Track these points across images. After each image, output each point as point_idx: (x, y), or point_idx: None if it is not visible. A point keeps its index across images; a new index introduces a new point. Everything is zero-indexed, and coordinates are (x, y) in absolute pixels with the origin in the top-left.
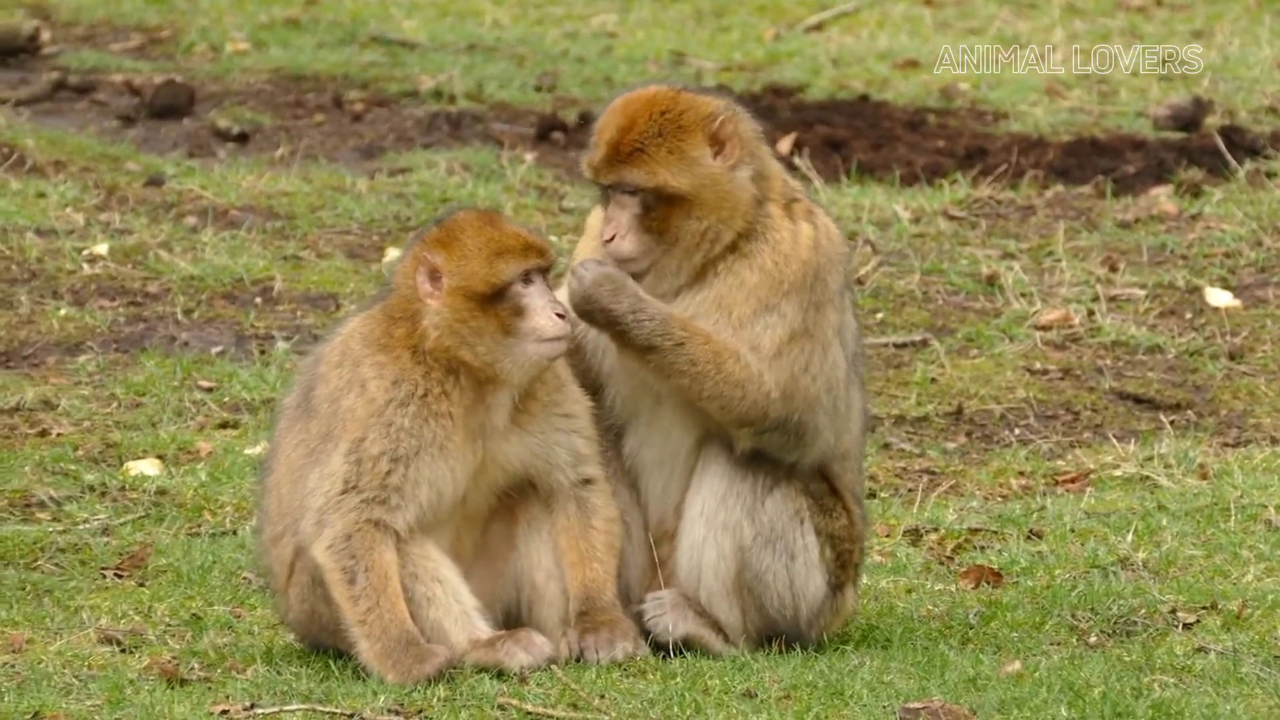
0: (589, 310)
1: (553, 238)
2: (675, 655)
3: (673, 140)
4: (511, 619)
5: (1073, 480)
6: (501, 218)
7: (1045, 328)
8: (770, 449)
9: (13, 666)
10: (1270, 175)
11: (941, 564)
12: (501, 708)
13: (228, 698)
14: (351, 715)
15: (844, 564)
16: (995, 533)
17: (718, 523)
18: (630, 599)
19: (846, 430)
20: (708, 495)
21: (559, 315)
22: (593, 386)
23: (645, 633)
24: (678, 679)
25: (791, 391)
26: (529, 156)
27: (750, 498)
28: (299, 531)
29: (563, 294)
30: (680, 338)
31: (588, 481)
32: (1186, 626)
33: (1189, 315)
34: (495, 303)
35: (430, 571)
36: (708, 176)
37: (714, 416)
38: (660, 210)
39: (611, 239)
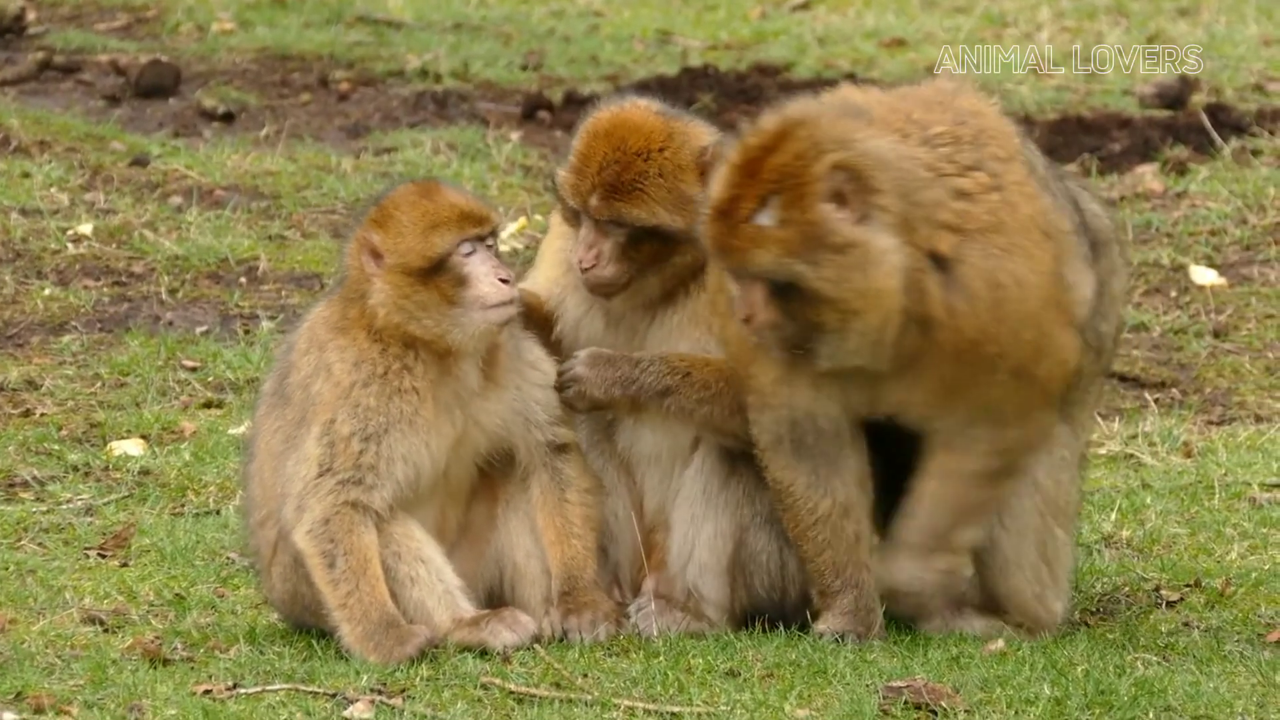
0: (602, 394)
1: (538, 217)
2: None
3: (672, 180)
4: (494, 598)
5: None
6: (439, 188)
7: None
8: None
9: None
10: (1256, 153)
11: None
12: (485, 687)
13: (210, 677)
14: (334, 695)
15: None
16: None
17: (720, 501)
18: (620, 583)
19: None
20: (710, 476)
21: (503, 280)
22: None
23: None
24: (660, 658)
25: None
26: (515, 135)
27: (752, 482)
28: (281, 518)
29: (534, 281)
30: (684, 368)
31: (563, 449)
32: (1170, 604)
33: (1174, 293)
34: (435, 275)
35: (413, 551)
36: (695, 213)
37: (739, 434)
38: (647, 244)
39: (591, 267)
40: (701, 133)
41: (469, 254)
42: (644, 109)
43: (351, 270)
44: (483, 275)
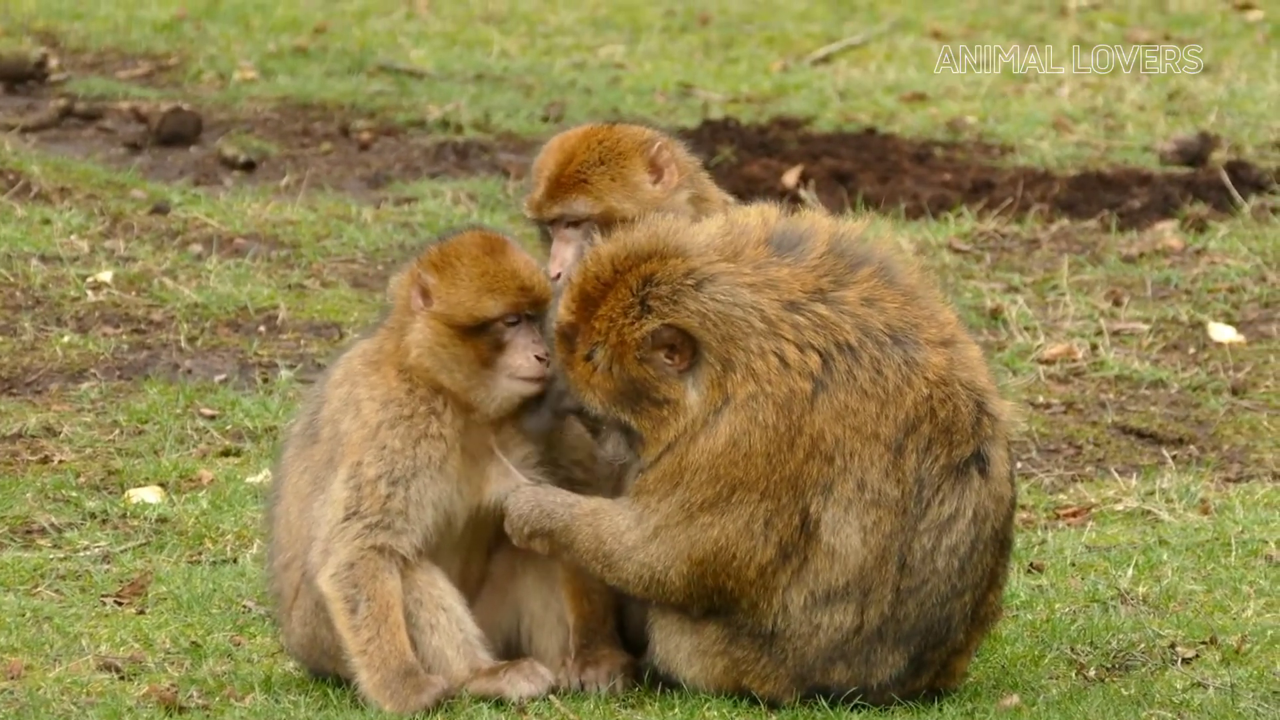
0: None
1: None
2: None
3: (614, 167)
4: (511, 646)
5: (1074, 514)
6: (508, 247)
7: (1049, 361)
8: None
9: (11, 693)
10: (1275, 211)
11: None
12: None
13: None
14: None
15: None
16: None
17: None
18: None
19: None
20: None
21: (539, 358)
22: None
23: (642, 668)
24: (675, 710)
25: None
26: None
27: None
28: (306, 562)
29: None
30: None
31: None
32: (1185, 661)
33: (1192, 350)
34: (476, 335)
35: (435, 599)
36: (650, 201)
37: None
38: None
39: (558, 276)
40: (649, 131)
41: (514, 323)
42: (594, 124)
43: (398, 302)
44: (521, 347)
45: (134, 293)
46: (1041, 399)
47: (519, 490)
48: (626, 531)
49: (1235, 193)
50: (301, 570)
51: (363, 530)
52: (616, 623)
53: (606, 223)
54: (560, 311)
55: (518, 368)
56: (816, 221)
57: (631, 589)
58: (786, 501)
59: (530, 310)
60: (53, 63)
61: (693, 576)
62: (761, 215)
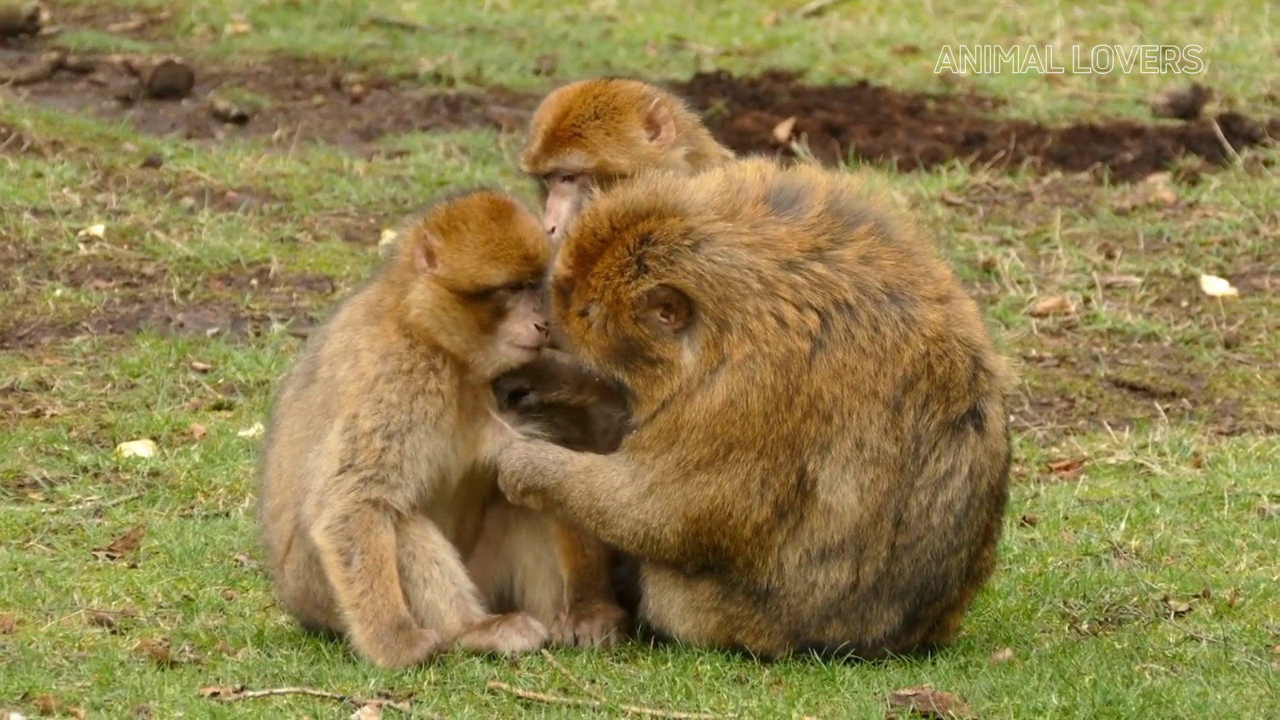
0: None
1: None
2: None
3: (609, 121)
4: (504, 600)
5: (1067, 467)
6: (515, 213)
7: (1041, 315)
8: None
9: (3, 647)
10: (1268, 164)
11: None
12: (492, 692)
13: (218, 680)
14: (342, 699)
15: None
16: None
17: None
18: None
19: None
20: None
21: (538, 327)
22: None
23: (636, 623)
24: (669, 664)
25: None
26: None
27: None
28: (300, 514)
29: None
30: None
31: None
32: (1178, 615)
33: (1185, 303)
34: (477, 301)
35: (429, 553)
36: (646, 156)
37: None
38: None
39: (553, 230)
40: (647, 88)
41: (516, 290)
42: (594, 79)
43: (402, 257)
44: (522, 315)
45: (126, 246)
46: (1034, 352)
47: (512, 447)
48: (621, 488)
49: (1228, 145)
50: (293, 522)
51: (358, 484)
52: (610, 577)
53: (602, 178)
54: (557, 266)
55: (517, 335)
56: (814, 178)
57: (625, 546)
58: (783, 460)
59: (533, 279)
60: (45, 16)
61: (687, 534)
62: (759, 171)
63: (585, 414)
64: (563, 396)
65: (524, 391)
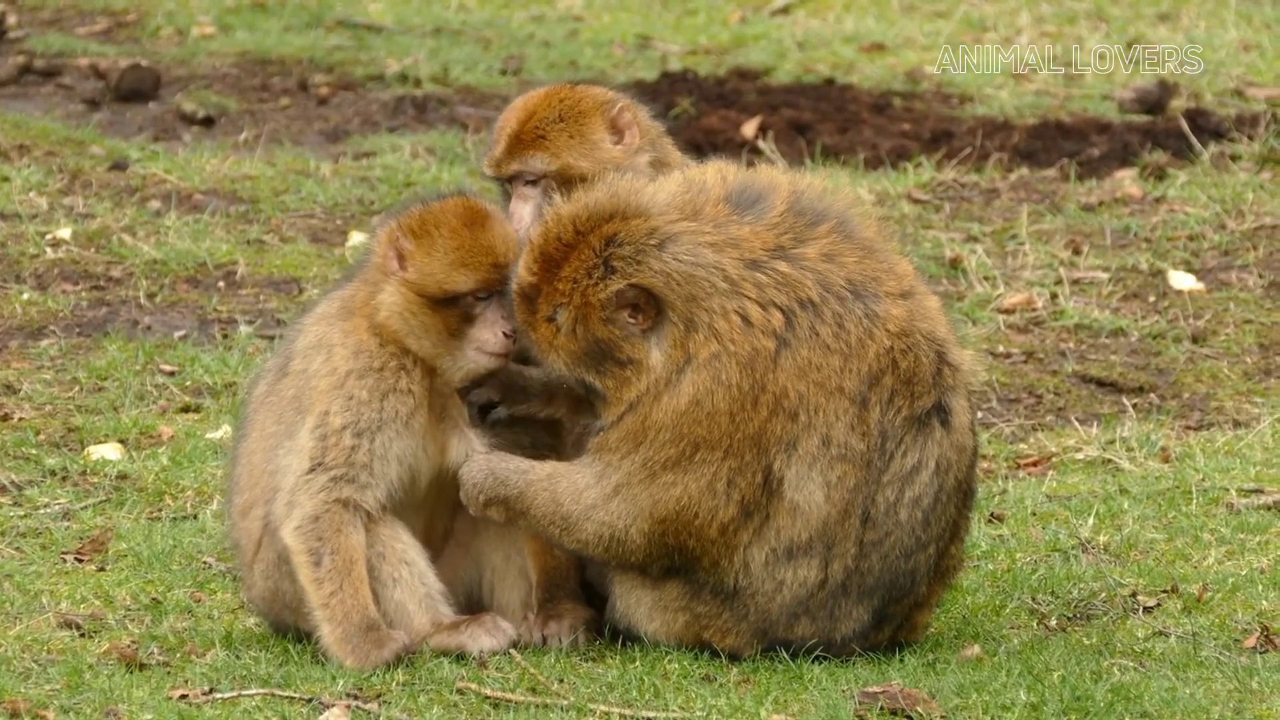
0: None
1: None
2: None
3: (573, 124)
4: (473, 599)
5: (1034, 463)
6: (488, 220)
7: (1008, 311)
8: None
9: None
10: (1235, 158)
11: None
12: (460, 692)
13: (187, 682)
14: (310, 700)
15: None
16: None
17: None
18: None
19: None
20: None
21: (506, 335)
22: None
23: (604, 622)
24: (637, 663)
25: None
26: None
27: None
28: (270, 513)
29: None
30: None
31: None
32: (1147, 610)
33: (1152, 298)
34: (445, 306)
35: (398, 554)
36: (609, 160)
37: None
38: (565, 195)
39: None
40: (611, 93)
41: (484, 298)
42: (558, 84)
43: (375, 258)
44: (490, 322)
45: (93, 249)
46: (1001, 348)
47: (473, 459)
48: (586, 490)
49: (1195, 140)
50: (263, 520)
51: (327, 483)
52: (579, 578)
53: (565, 181)
54: (520, 273)
55: (484, 342)
56: (775, 178)
57: (590, 550)
58: (750, 459)
59: (502, 287)
60: (11, 19)
61: (654, 535)
62: (719, 173)
63: (556, 428)
64: (533, 410)
65: (493, 405)
